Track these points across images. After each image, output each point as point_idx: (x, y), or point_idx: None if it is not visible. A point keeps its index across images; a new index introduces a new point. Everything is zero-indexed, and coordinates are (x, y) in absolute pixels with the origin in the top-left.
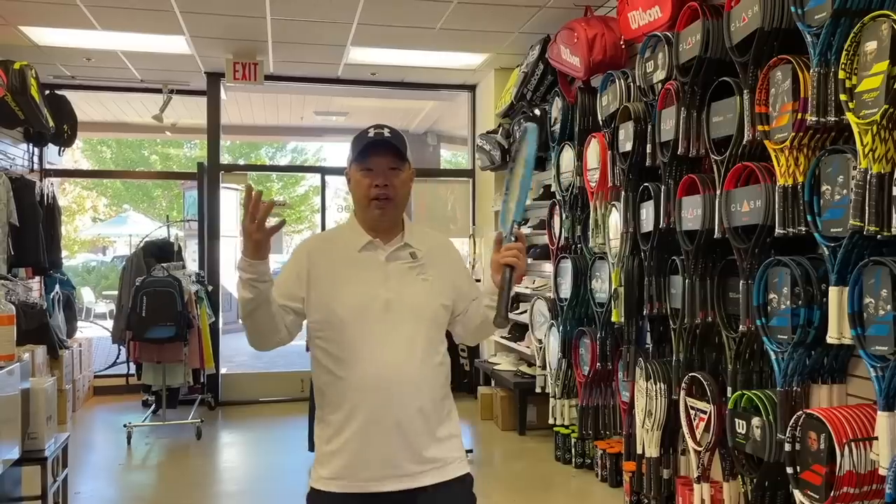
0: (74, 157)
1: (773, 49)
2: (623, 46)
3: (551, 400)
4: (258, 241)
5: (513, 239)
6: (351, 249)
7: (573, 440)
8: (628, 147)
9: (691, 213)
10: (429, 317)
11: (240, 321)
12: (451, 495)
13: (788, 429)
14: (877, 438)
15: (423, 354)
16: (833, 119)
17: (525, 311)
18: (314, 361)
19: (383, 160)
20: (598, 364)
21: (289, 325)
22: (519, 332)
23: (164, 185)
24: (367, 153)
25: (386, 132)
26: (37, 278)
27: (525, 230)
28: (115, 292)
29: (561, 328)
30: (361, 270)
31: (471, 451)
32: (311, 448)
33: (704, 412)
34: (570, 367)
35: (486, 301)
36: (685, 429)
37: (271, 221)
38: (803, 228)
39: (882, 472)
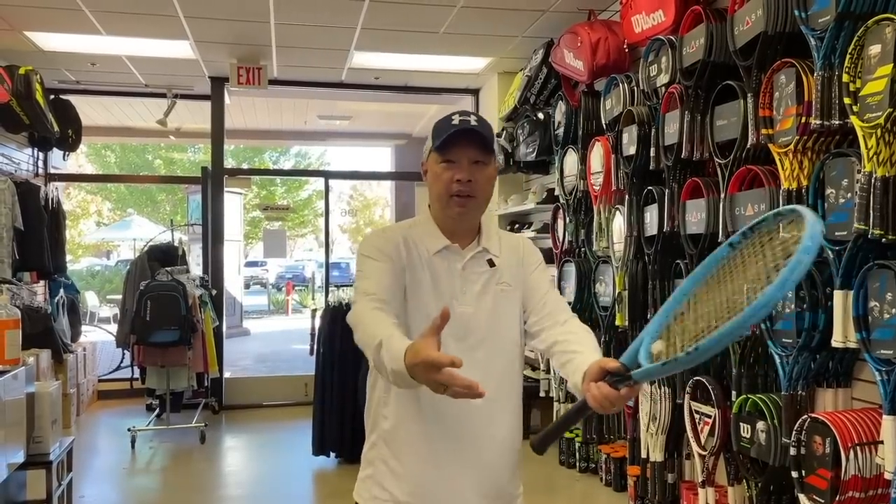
0: (79, 161)
1: (777, 53)
2: (626, 50)
3: (555, 404)
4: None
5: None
6: (425, 251)
7: (577, 444)
8: (632, 151)
9: (695, 217)
10: (508, 336)
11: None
12: None
13: (793, 433)
14: (882, 442)
15: (502, 376)
16: (837, 122)
17: None
18: (376, 374)
19: (468, 151)
20: None
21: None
22: None
23: (168, 189)
24: (449, 143)
25: (472, 119)
26: (41, 282)
27: (528, 233)
28: (120, 296)
29: None
30: (437, 279)
31: None
32: (315, 452)
33: (709, 416)
34: None
35: (570, 382)
36: (690, 433)
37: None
38: None
39: (888, 476)
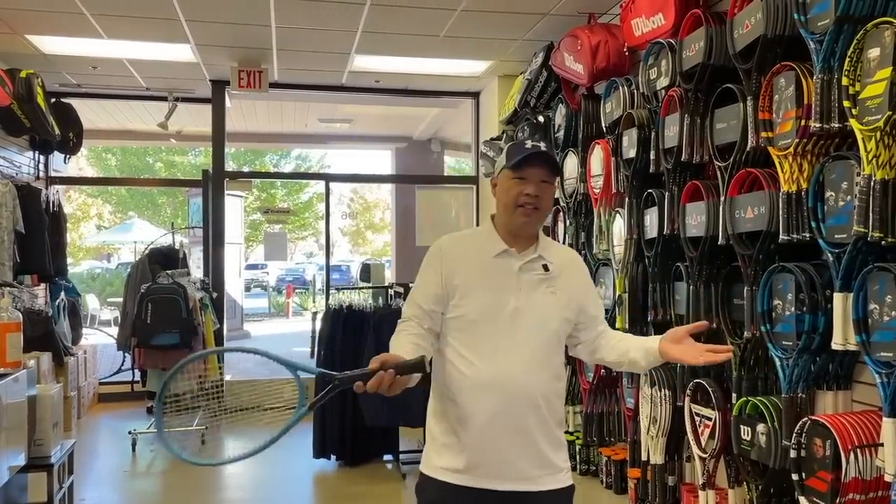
0: (79, 164)
1: (777, 56)
2: (626, 53)
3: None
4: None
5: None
6: (486, 254)
7: (578, 447)
8: (632, 154)
9: (695, 220)
10: (553, 328)
11: None
12: (559, 503)
13: (794, 435)
14: (882, 445)
15: (545, 363)
16: (836, 125)
17: None
18: (440, 356)
19: (538, 171)
20: (603, 371)
21: (433, 344)
22: None
23: (168, 192)
24: (523, 162)
25: (543, 146)
26: (42, 285)
27: None
28: (120, 299)
29: None
30: (495, 277)
31: None
32: (316, 455)
33: (709, 419)
34: (574, 374)
35: (643, 362)
36: (690, 435)
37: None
38: (807, 235)
39: (888, 478)
